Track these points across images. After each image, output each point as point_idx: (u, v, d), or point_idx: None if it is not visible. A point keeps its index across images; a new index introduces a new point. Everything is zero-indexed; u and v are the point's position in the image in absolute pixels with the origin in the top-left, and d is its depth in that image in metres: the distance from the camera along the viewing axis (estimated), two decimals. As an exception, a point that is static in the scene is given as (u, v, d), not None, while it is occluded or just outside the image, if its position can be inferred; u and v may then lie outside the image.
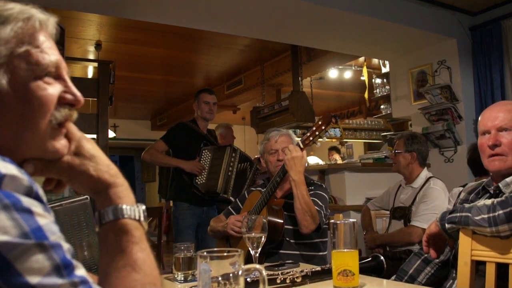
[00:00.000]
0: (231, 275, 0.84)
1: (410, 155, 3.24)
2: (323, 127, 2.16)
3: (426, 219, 2.94)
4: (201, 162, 3.70)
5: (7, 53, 0.69)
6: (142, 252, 0.72)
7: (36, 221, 0.56)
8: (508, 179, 1.57)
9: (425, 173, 3.26)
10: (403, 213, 3.21)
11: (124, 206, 0.75)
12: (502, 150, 1.57)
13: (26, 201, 0.56)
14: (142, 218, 0.76)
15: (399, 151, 3.28)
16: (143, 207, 0.78)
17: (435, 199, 3.01)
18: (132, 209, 0.75)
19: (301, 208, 2.16)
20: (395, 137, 3.46)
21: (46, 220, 0.57)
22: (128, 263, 0.70)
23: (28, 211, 0.56)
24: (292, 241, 2.29)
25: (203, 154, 3.72)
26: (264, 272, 0.96)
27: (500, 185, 1.58)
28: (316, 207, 2.22)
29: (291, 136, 2.49)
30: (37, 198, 0.58)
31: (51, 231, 0.57)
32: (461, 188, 3.07)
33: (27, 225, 0.54)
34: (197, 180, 3.67)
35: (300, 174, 2.19)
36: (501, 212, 1.35)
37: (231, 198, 3.61)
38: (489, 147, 1.60)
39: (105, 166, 0.78)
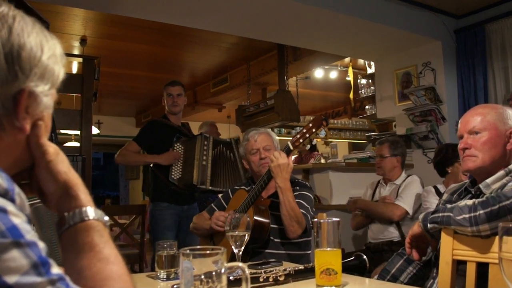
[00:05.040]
0: (213, 273, 0.84)
1: (395, 159, 3.30)
2: (313, 130, 2.16)
3: (409, 202, 3.10)
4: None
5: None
6: (113, 249, 0.72)
7: (10, 220, 0.55)
8: (488, 180, 1.60)
9: (404, 175, 3.38)
10: None
11: (89, 208, 0.75)
12: (471, 152, 1.65)
13: (0, 201, 0.55)
14: (106, 218, 0.77)
15: (385, 155, 3.31)
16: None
17: (417, 187, 3.19)
18: (96, 211, 0.75)
19: (287, 215, 2.16)
20: (377, 142, 3.53)
21: (20, 219, 0.56)
22: (103, 258, 0.69)
23: (3, 210, 0.55)
24: (277, 240, 2.28)
25: (175, 148, 3.62)
26: (247, 271, 0.96)
27: (480, 186, 1.62)
28: (302, 210, 2.22)
29: (270, 134, 2.48)
30: (12, 200, 0.58)
31: (26, 229, 0.56)
32: (432, 188, 3.16)
33: (3, 223, 0.53)
34: (172, 176, 3.55)
35: (286, 181, 2.18)
36: (482, 212, 1.38)
37: (210, 187, 3.50)
38: (461, 150, 1.68)
39: (67, 168, 0.78)
